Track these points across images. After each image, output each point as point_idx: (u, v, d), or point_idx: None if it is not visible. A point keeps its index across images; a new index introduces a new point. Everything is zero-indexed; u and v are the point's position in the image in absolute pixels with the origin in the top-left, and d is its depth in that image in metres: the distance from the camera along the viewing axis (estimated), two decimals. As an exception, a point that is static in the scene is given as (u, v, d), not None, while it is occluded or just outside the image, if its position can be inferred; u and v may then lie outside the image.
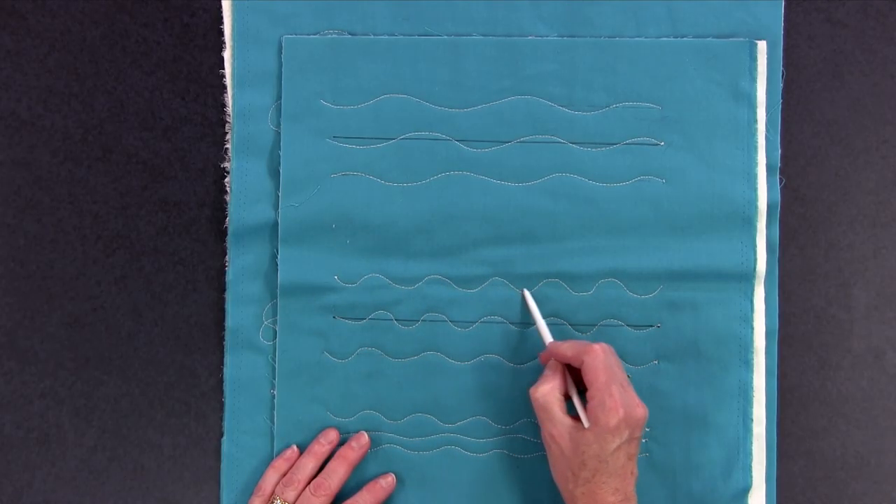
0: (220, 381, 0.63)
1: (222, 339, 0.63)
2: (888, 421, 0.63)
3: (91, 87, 0.64)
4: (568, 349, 0.56)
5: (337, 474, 0.60)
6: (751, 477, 0.62)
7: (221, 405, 0.63)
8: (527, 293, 0.62)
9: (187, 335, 0.64)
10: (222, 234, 0.64)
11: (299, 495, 0.59)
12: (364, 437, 0.62)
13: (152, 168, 0.64)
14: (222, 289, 0.63)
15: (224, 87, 0.64)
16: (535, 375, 0.62)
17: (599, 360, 0.54)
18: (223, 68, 0.64)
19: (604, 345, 0.55)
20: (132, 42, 0.64)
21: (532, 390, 0.56)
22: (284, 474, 0.61)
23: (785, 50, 0.63)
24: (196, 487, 0.64)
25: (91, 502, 0.63)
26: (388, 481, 0.61)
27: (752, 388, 0.62)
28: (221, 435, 0.63)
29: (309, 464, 0.60)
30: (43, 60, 0.64)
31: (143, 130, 0.64)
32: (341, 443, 0.62)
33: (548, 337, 0.59)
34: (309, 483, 0.60)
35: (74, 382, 0.64)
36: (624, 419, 0.53)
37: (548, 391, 0.56)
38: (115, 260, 0.64)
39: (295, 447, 0.62)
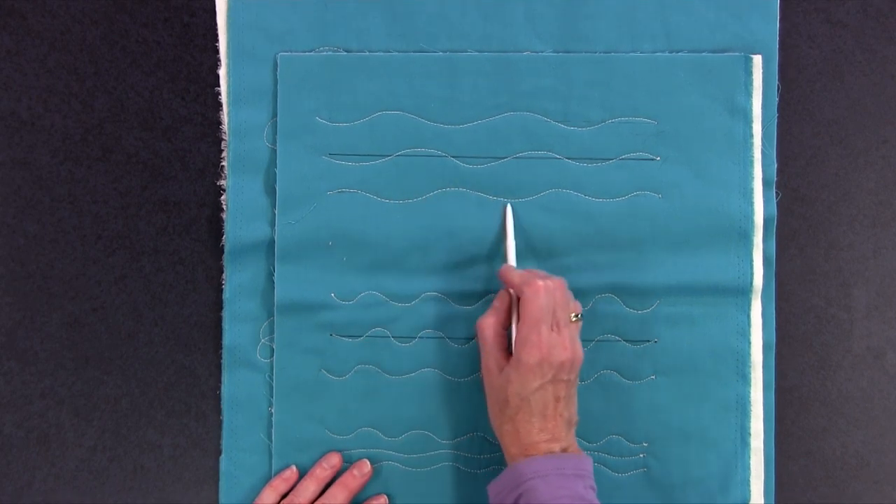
0: (220, 381, 0.63)
1: (222, 338, 0.63)
2: (888, 421, 0.63)
3: (91, 87, 0.64)
4: (516, 277, 0.55)
5: (337, 500, 0.60)
6: (749, 491, 0.62)
7: (221, 405, 0.63)
8: (508, 209, 0.61)
9: (187, 335, 0.64)
10: (222, 234, 0.63)
11: None
12: (366, 466, 0.61)
13: (152, 168, 0.64)
14: (222, 288, 0.63)
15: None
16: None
17: (537, 296, 0.53)
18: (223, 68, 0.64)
19: (552, 282, 0.54)
20: (132, 42, 0.64)
21: (479, 320, 0.56)
22: (282, 494, 0.61)
23: (785, 50, 0.63)
24: (196, 488, 0.63)
25: (91, 502, 0.63)
26: (381, 503, 0.61)
27: (750, 402, 0.62)
28: (221, 435, 0.63)
29: (311, 487, 0.60)
30: (43, 60, 0.64)
31: (143, 130, 0.64)
32: (344, 468, 0.62)
33: (510, 259, 0.59)
34: None
35: (74, 382, 0.63)
36: (546, 359, 0.52)
37: (488, 323, 0.56)
38: (115, 260, 0.64)
39: (294, 468, 0.62)
